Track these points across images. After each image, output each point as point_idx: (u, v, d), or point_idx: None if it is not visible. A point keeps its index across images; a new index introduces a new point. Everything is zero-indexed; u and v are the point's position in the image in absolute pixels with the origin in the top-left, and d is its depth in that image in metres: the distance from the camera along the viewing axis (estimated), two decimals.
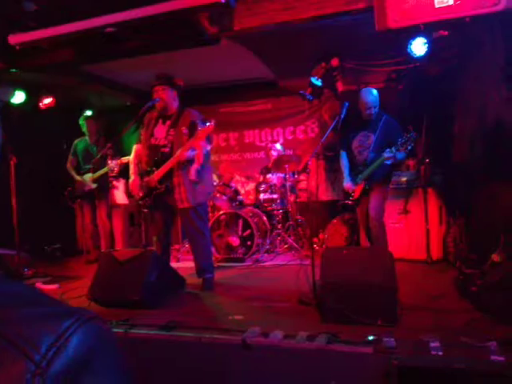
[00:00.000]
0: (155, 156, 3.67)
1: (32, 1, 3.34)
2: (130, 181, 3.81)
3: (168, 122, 3.71)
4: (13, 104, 5.42)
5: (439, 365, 2.01)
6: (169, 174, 3.60)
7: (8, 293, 0.47)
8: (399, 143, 3.63)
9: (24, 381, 0.39)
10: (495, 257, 3.15)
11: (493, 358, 1.98)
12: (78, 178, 5.34)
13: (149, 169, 3.69)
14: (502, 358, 1.96)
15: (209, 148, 3.66)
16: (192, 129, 3.52)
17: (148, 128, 3.78)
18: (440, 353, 2.06)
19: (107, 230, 5.42)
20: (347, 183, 4.01)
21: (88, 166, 5.24)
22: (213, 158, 6.25)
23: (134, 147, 3.92)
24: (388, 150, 3.68)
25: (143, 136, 3.82)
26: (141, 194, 3.72)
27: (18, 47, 3.71)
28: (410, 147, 3.64)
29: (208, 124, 3.41)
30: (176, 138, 3.61)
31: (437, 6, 2.68)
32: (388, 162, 3.73)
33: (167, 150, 3.64)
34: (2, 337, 0.41)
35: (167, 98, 3.66)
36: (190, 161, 3.60)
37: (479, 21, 2.81)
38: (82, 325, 0.44)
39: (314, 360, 2.22)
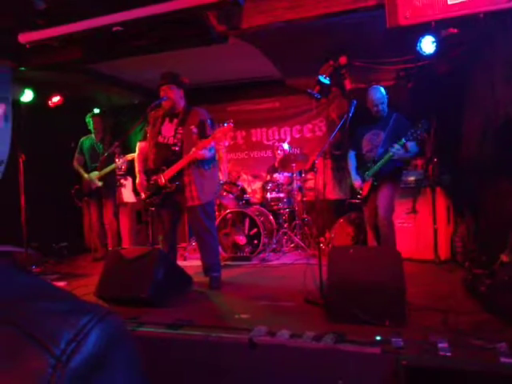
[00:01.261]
0: (165, 154, 3.66)
1: None
2: (137, 180, 3.81)
3: (175, 121, 3.71)
4: (22, 102, 5.45)
5: (448, 366, 1.99)
6: (179, 173, 3.61)
7: (24, 284, 0.47)
8: (409, 133, 3.58)
9: (45, 375, 0.39)
10: (504, 256, 3.11)
11: (502, 359, 1.95)
12: (85, 175, 5.36)
13: (157, 167, 3.69)
14: (511, 360, 1.94)
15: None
16: (201, 127, 3.53)
17: (154, 126, 3.78)
18: (448, 354, 2.04)
19: (114, 229, 5.44)
20: (356, 181, 3.99)
21: (95, 165, 5.26)
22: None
23: (138, 145, 3.92)
24: (396, 144, 3.64)
25: (149, 134, 3.82)
26: (148, 193, 3.73)
27: (28, 46, 3.73)
28: (420, 137, 3.60)
29: (226, 124, 3.47)
30: (185, 136, 3.62)
31: (449, 2, 2.65)
32: (398, 152, 3.65)
33: (177, 148, 3.65)
34: (21, 330, 0.41)
35: (174, 96, 3.66)
36: (204, 160, 3.60)
37: (492, 17, 2.76)
38: (99, 321, 0.44)
39: (321, 360, 2.21)
